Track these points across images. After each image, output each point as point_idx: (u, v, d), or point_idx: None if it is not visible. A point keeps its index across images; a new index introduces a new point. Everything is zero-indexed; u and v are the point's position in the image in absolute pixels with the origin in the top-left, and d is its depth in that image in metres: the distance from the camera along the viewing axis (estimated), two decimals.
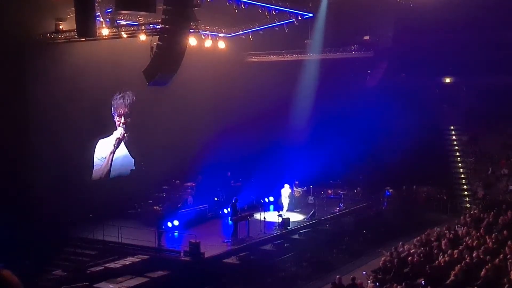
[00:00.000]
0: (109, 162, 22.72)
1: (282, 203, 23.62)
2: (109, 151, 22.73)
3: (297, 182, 25.01)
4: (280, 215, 21.76)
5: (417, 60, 30.33)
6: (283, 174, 24.80)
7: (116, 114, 22.88)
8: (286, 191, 23.62)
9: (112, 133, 22.83)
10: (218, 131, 25.79)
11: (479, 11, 26.38)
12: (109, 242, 18.99)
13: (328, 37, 26.79)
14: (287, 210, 23.43)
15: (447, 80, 32.93)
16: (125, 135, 23.19)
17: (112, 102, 22.67)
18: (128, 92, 22.95)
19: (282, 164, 25.73)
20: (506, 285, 11.94)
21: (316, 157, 26.46)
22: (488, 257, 14.42)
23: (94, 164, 22.15)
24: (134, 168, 23.71)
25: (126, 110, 23.09)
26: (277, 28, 24.35)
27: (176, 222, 20.63)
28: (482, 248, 15.30)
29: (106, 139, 22.57)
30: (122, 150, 23.33)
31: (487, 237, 16.69)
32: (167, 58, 16.39)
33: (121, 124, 23.02)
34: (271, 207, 24.47)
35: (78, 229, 19.57)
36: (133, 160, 23.69)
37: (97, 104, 21.79)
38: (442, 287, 12.88)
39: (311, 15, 24.32)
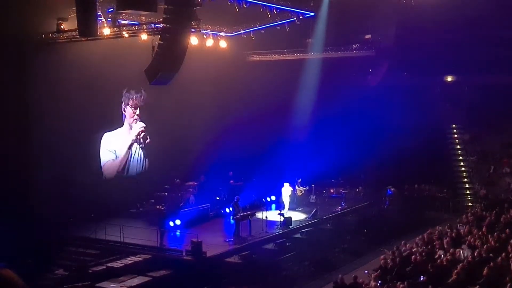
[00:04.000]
0: (128, 156, 23.10)
1: (283, 202, 23.63)
2: (127, 145, 23.05)
3: (299, 181, 25.05)
4: (280, 214, 21.79)
5: (419, 59, 30.31)
6: (285, 173, 24.81)
7: (132, 107, 23.04)
8: (286, 189, 23.63)
9: (120, 128, 22.99)
10: (220, 130, 25.83)
11: (480, 10, 26.32)
12: (111, 241, 19.00)
13: (330, 36, 26.79)
14: (289, 209, 23.44)
15: (449, 79, 32.89)
16: (144, 127, 23.56)
17: (125, 96, 22.82)
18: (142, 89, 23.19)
19: (284, 163, 25.75)
20: (508, 284, 11.91)
21: (317, 156, 26.48)
22: (491, 255, 14.41)
23: (104, 160, 22.31)
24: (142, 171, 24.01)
25: (142, 103, 23.34)
26: (278, 27, 24.37)
27: (178, 222, 20.63)
28: (484, 247, 15.28)
29: (112, 132, 22.63)
30: (139, 151, 23.81)
31: (489, 236, 16.66)
32: (168, 57, 16.39)
33: (135, 117, 23.25)
34: (273, 206, 24.47)
35: (80, 228, 19.59)
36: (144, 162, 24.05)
37: (99, 104, 21.81)
38: (444, 286, 12.86)
39: (313, 14, 24.32)
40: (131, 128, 23.30)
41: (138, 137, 23.50)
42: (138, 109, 23.37)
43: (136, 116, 23.36)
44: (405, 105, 28.97)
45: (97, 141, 22.18)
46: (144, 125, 23.65)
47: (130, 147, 23.27)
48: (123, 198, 21.97)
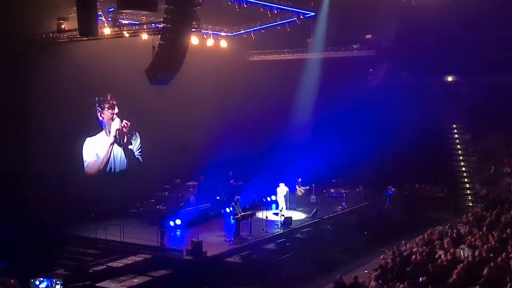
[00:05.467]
0: (108, 155, 22.83)
1: (279, 202, 23.67)
2: (108, 144, 22.82)
3: (299, 180, 25.03)
4: (275, 214, 21.80)
5: (419, 59, 30.29)
6: (285, 173, 24.79)
7: (109, 109, 22.75)
8: (281, 190, 23.63)
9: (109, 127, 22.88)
10: (220, 130, 25.84)
11: (482, 10, 26.31)
12: (112, 241, 18.97)
13: (330, 36, 26.81)
14: (288, 209, 23.44)
15: (449, 78, 32.90)
16: (127, 123, 23.28)
17: (98, 103, 22.44)
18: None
19: (284, 163, 25.73)
20: (509, 284, 11.90)
21: (318, 156, 26.48)
22: (491, 255, 14.40)
23: (85, 160, 22.04)
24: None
25: (114, 102, 22.95)
26: (279, 27, 24.37)
27: (178, 221, 20.65)
28: (484, 247, 15.27)
29: (100, 134, 22.55)
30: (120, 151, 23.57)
31: (489, 236, 16.65)
32: (169, 57, 16.40)
33: (114, 117, 22.98)
34: (273, 206, 24.45)
35: (80, 228, 19.59)
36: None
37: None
38: (444, 286, 12.85)
39: (313, 14, 24.31)
40: (109, 129, 23.01)
41: (117, 133, 23.15)
42: (116, 107, 23.01)
43: (115, 116, 23.03)
44: (406, 105, 28.99)
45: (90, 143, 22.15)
46: (121, 122, 23.29)
47: (110, 147, 23.01)
48: (123, 198, 21.97)
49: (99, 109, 22.43)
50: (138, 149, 24.14)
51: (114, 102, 22.87)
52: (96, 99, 22.22)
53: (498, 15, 27.25)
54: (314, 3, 24.17)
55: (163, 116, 23.97)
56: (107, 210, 20.64)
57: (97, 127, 22.34)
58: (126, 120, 23.36)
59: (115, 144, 23.13)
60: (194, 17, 17.34)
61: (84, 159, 21.90)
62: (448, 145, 31.28)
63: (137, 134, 24.00)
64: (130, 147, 23.75)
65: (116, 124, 23.06)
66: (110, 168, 22.96)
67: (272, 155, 25.95)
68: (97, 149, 22.38)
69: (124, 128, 23.35)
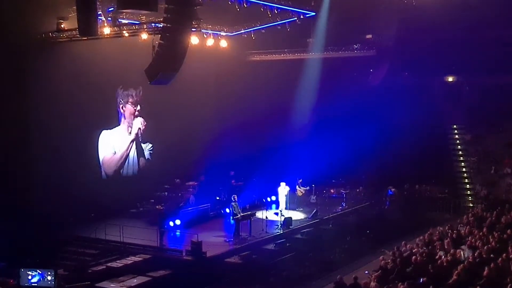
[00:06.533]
0: (128, 151, 23.18)
1: (279, 202, 23.63)
2: (127, 143, 23.09)
3: (300, 181, 25.00)
4: (276, 214, 21.75)
5: (420, 59, 30.27)
6: (286, 173, 24.77)
7: (133, 104, 22.96)
8: (282, 189, 23.60)
9: (118, 126, 22.92)
10: (221, 130, 25.83)
11: (482, 10, 26.28)
12: (111, 241, 18.98)
13: (330, 36, 26.79)
14: (289, 209, 23.41)
15: (450, 79, 32.85)
16: (144, 123, 23.55)
17: (123, 94, 22.68)
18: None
19: (285, 163, 25.70)
20: (509, 285, 11.88)
21: (318, 156, 26.44)
22: (491, 256, 14.37)
23: (102, 155, 22.26)
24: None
25: (141, 97, 23.19)
26: (279, 27, 24.35)
27: (178, 221, 20.62)
28: (485, 248, 15.24)
29: (111, 131, 22.56)
30: (134, 150, 23.78)
31: (490, 236, 16.62)
32: (169, 57, 16.36)
33: (136, 113, 23.24)
34: (273, 206, 24.43)
35: (80, 228, 19.57)
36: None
37: (99, 103, 21.80)
38: (444, 287, 12.83)
39: (314, 13, 24.31)
40: (131, 126, 23.22)
41: (139, 131, 23.45)
42: (139, 105, 23.28)
43: (137, 113, 23.35)
44: (406, 105, 28.91)
45: (97, 140, 22.09)
46: (144, 121, 23.65)
47: (130, 144, 23.24)
48: (123, 198, 21.94)
49: (122, 102, 22.58)
50: (149, 149, 24.39)
51: (137, 99, 23.10)
52: (121, 91, 22.49)
53: (498, 15, 27.21)
54: (315, 3, 24.17)
55: (162, 116, 23.95)
56: (107, 210, 20.60)
57: (104, 124, 22.37)
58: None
59: (135, 142, 23.45)
60: (194, 16, 17.33)
61: (99, 153, 22.09)
62: (448, 145, 31.22)
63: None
64: (143, 145, 24.10)
65: (138, 122, 23.34)
66: (123, 171, 23.21)
67: (272, 155, 25.92)
68: (114, 143, 22.61)
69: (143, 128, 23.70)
